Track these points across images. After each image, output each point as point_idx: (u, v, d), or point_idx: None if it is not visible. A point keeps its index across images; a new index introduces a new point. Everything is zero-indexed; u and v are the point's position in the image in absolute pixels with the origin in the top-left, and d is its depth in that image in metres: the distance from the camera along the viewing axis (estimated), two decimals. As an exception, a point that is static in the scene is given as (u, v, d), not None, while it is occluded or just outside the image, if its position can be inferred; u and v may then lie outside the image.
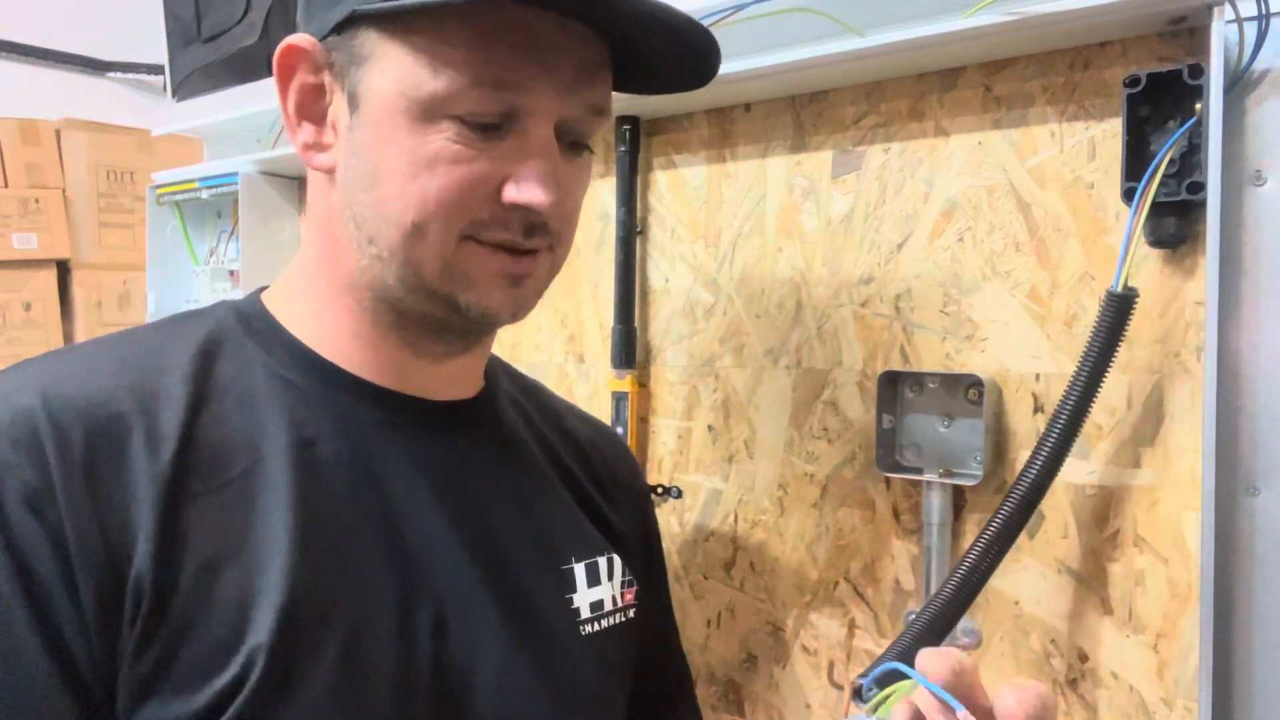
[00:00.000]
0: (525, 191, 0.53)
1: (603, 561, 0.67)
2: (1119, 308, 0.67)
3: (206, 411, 0.54)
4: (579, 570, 0.65)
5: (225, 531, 0.51)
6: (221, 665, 0.49)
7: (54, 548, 0.47)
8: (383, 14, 0.51)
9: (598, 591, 0.66)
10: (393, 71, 0.52)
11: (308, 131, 0.57)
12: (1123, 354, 0.73)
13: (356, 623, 0.53)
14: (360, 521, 0.56)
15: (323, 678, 0.51)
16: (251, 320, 0.60)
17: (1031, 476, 0.69)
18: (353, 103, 0.54)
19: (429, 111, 0.52)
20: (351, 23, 0.53)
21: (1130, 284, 0.67)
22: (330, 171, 0.57)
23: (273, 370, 0.57)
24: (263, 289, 0.63)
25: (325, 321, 0.59)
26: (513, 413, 0.70)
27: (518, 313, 0.58)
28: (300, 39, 0.56)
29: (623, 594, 0.67)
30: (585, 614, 0.64)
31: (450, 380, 0.63)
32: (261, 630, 0.49)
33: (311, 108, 0.57)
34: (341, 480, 0.56)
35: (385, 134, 0.53)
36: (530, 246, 0.56)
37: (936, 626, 0.70)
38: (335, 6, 0.54)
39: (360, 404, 0.59)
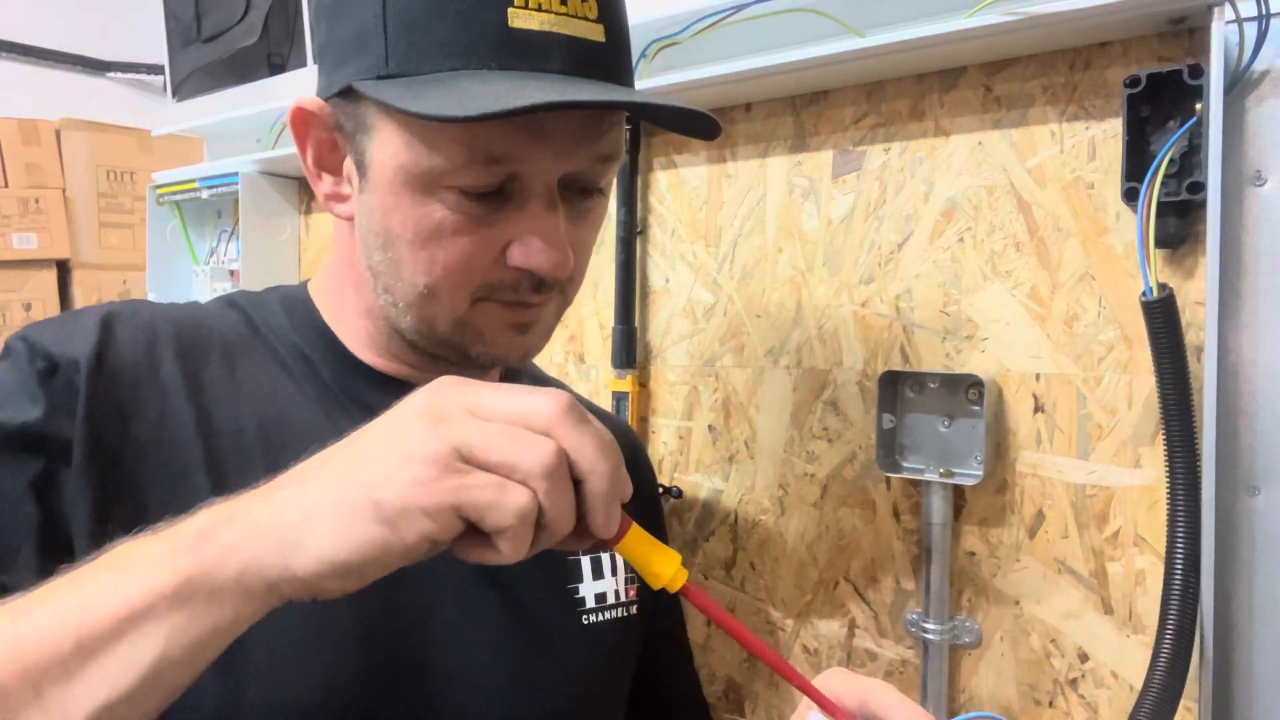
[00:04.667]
0: (530, 257, 0.54)
1: (605, 556, 0.69)
2: (1164, 311, 0.65)
3: (241, 367, 0.59)
4: (585, 562, 0.68)
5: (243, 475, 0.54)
6: None
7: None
8: (373, 100, 0.52)
9: (602, 584, 0.68)
10: (391, 146, 0.53)
11: (328, 183, 0.60)
12: (1123, 354, 0.73)
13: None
14: None
15: (292, 634, 0.53)
16: (295, 306, 0.65)
17: (1181, 539, 0.66)
18: (360, 168, 0.56)
19: (428, 185, 0.53)
20: (352, 91, 0.54)
21: (1148, 283, 0.66)
22: (350, 219, 0.59)
23: (300, 351, 0.62)
24: (309, 279, 0.68)
25: (349, 324, 0.63)
26: None
27: (527, 355, 0.61)
28: (308, 102, 0.57)
29: (626, 589, 0.70)
30: (590, 604, 0.67)
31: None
32: None
33: (328, 160, 0.59)
34: None
35: (390, 203, 0.54)
36: (539, 301, 0.58)
37: None
38: (337, 71, 0.55)
39: (376, 392, 0.62)
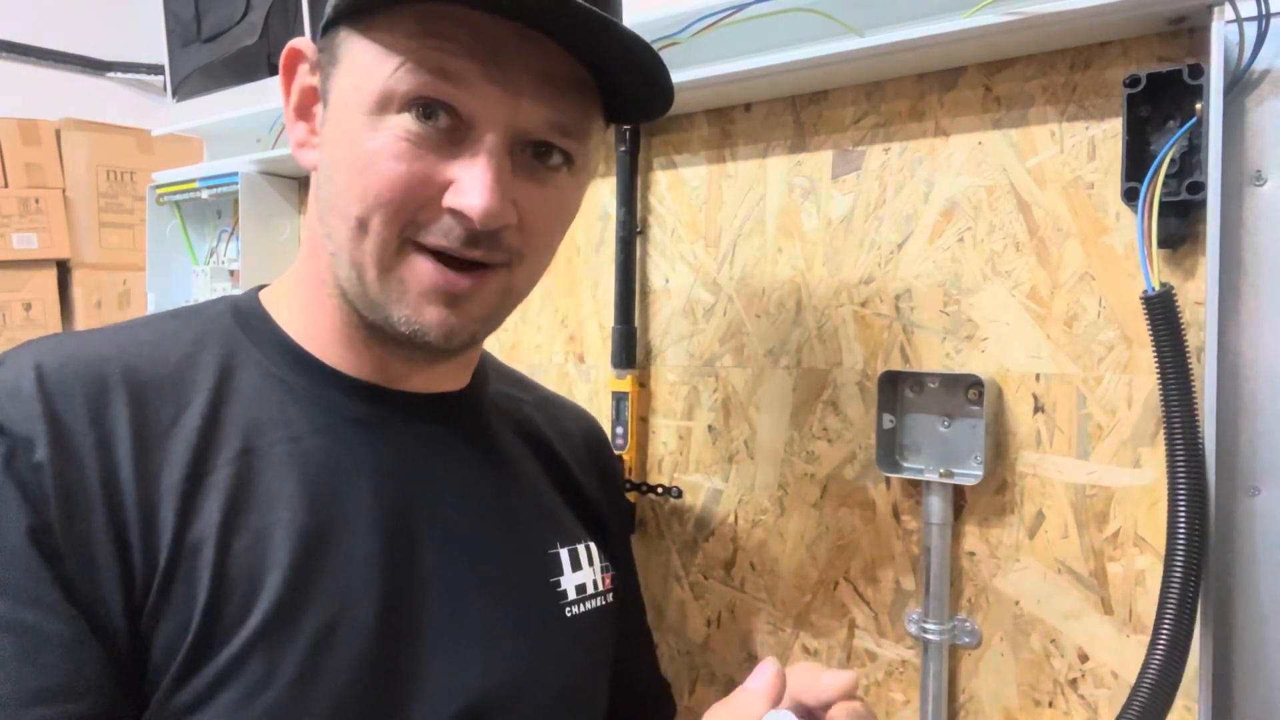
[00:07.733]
0: (462, 196, 0.52)
1: (582, 548, 0.69)
2: (1164, 306, 0.65)
3: (196, 404, 0.55)
4: (564, 555, 0.68)
5: (231, 510, 0.53)
6: (230, 634, 0.50)
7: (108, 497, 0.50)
8: (344, 11, 0.53)
9: (581, 576, 0.68)
10: (355, 67, 0.54)
11: (300, 130, 0.60)
12: (1123, 354, 0.73)
13: (337, 608, 0.54)
14: (346, 513, 0.57)
15: (294, 665, 0.51)
16: (247, 317, 0.61)
17: (1183, 514, 0.65)
18: (325, 100, 0.57)
19: (378, 104, 0.52)
20: (334, 25, 0.55)
21: (1149, 283, 0.66)
22: (315, 169, 0.59)
23: (263, 367, 0.59)
24: (261, 287, 0.65)
25: (312, 319, 0.61)
26: (502, 405, 0.71)
27: (451, 335, 0.55)
28: (300, 41, 0.58)
29: (603, 578, 0.70)
30: (571, 596, 0.67)
31: (434, 375, 0.65)
32: (267, 601, 0.51)
33: (307, 108, 0.60)
34: (327, 473, 0.57)
35: (343, 129, 0.54)
36: (472, 257, 0.54)
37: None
38: (326, 13, 0.56)
39: (345, 399, 0.60)
